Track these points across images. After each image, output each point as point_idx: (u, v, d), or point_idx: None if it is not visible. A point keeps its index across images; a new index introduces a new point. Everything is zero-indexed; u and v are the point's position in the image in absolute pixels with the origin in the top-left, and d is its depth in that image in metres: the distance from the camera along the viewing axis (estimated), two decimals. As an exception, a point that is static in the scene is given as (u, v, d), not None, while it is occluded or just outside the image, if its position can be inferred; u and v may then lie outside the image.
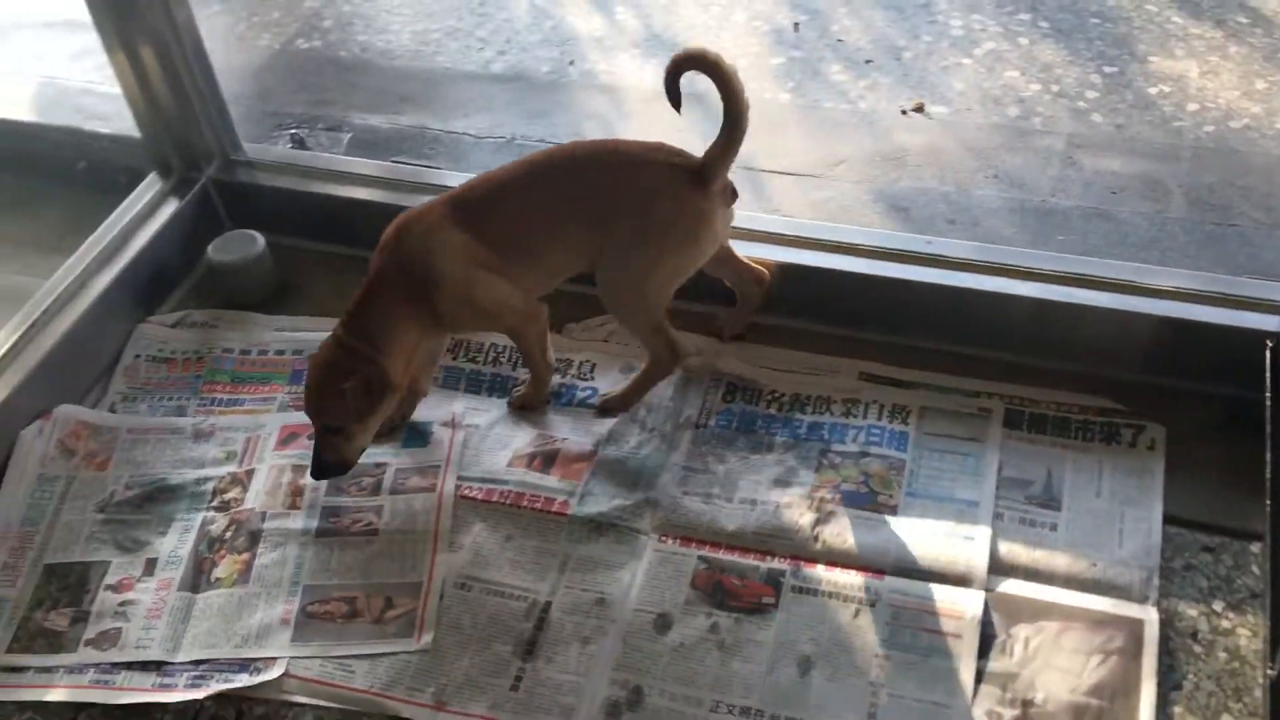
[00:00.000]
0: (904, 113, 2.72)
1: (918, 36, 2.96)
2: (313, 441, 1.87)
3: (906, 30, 2.98)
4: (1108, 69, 2.78)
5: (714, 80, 1.77)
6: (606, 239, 1.85)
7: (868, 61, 2.88)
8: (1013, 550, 1.82)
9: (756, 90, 2.81)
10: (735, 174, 2.58)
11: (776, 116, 2.74)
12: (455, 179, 2.33)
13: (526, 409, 2.08)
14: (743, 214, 2.27)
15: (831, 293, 2.14)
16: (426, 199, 2.28)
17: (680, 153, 1.87)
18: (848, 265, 2.12)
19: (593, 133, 2.74)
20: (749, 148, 2.61)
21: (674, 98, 1.82)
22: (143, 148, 2.42)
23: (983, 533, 1.83)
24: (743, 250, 2.14)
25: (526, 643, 1.77)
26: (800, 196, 2.50)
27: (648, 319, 1.94)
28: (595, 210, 1.84)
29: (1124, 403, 1.99)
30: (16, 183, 2.70)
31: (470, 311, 1.87)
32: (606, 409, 2.06)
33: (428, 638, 1.77)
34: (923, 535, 1.84)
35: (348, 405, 1.78)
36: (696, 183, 1.84)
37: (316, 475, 1.87)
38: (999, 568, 1.79)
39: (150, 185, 2.42)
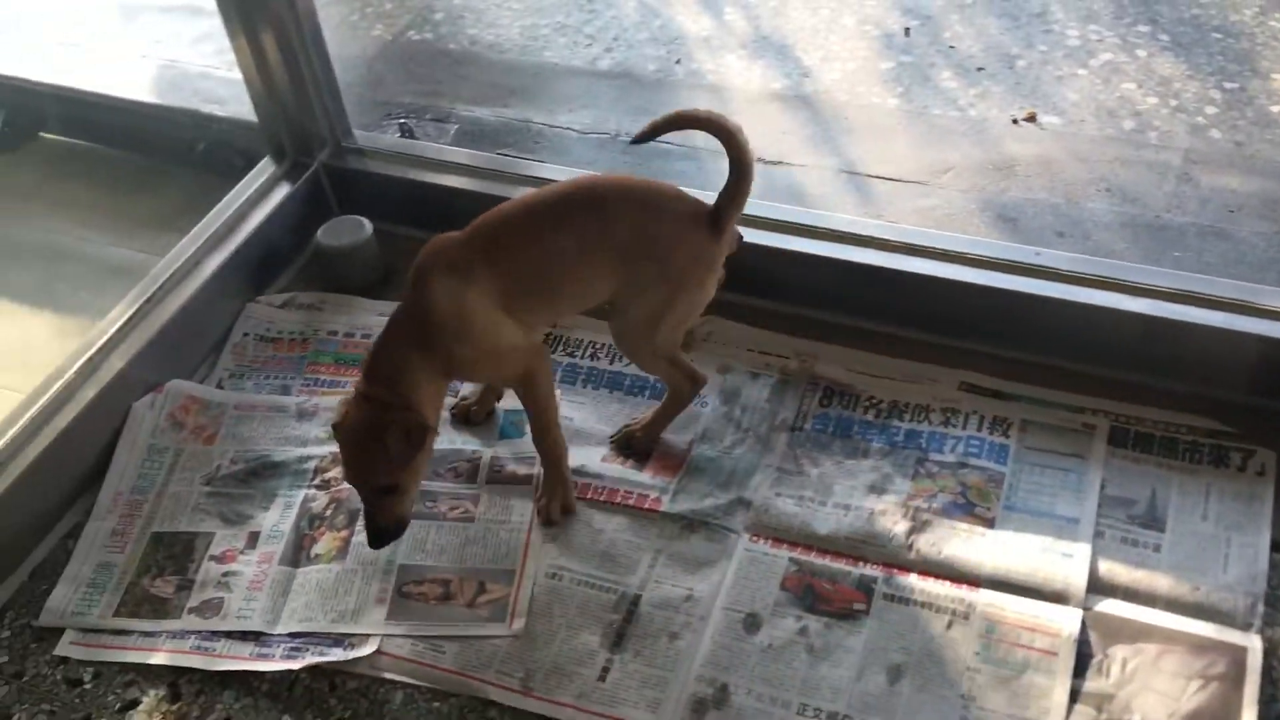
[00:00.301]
0: (1015, 122, 2.67)
1: (1032, 45, 2.91)
2: (362, 510, 1.79)
3: (1020, 39, 2.94)
4: (1228, 85, 2.70)
5: (719, 139, 1.82)
6: (626, 279, 1.84)
7: (979, 69, 2.84)
8: (1113, 569, 1.78)
9: (864, 95, 2.80)
10: (840, 177, 2.58)
11: (883, 122, 2.72)
12: (558, 173, 2.36)
13: (560, 519, 1.93)
14: (847, 217, 2.27)
15: (935, 301, 2.12)
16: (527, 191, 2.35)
17: (695, 200, 1.88)
18: (953, 273, 2.10)
19: (695, 131, 2.74)
20: (855, 152, 2.63)
21: (646, 140, 1.86)
22: (259, 132, 2.48)
23: (1082, 550, 1.80)
24: (847, 255, 2.14)
25: (615, 634, 1.78)
26: (905, 203, 2.48)
27: (660, 356, 1.92)
28: (618, 250, 1.82)
29: (1232, 425, 1.94)
30: (138, 162, 2.79)
31: (490, 359, 1.82)
32: (630, 446, 2.01)
33: (519, 623, 1.79)
34: (1020, 550, 1.81)
35: (393, 459, 1.71)
36: (711, 230, 1.85)
37: (376, 544, 1.79)
38: (1098, 586, 1.76)
39: (264, 169, 2.48)
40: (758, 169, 1.84)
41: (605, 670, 1.74)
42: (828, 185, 2.53)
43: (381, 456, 1.70)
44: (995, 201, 2.46)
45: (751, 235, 2.20)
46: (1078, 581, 1.76)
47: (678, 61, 3.01)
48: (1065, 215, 2.41)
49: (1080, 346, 2.06)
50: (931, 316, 2.13)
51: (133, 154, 2.80)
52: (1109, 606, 1.73)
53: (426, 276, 1.77)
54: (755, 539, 1.88)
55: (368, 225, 2.37)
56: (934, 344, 2.13)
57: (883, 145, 2.63)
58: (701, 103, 2.87)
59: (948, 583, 1.79)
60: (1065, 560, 1.79)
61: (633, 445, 2.01)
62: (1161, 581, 1.76)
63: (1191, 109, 2.65)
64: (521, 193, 2.29)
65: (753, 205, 2.23)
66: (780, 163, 2.60)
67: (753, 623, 1.77)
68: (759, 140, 2.69)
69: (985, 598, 1.76)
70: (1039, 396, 2.03)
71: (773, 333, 2.19)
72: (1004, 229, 2.39)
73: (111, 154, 2.83)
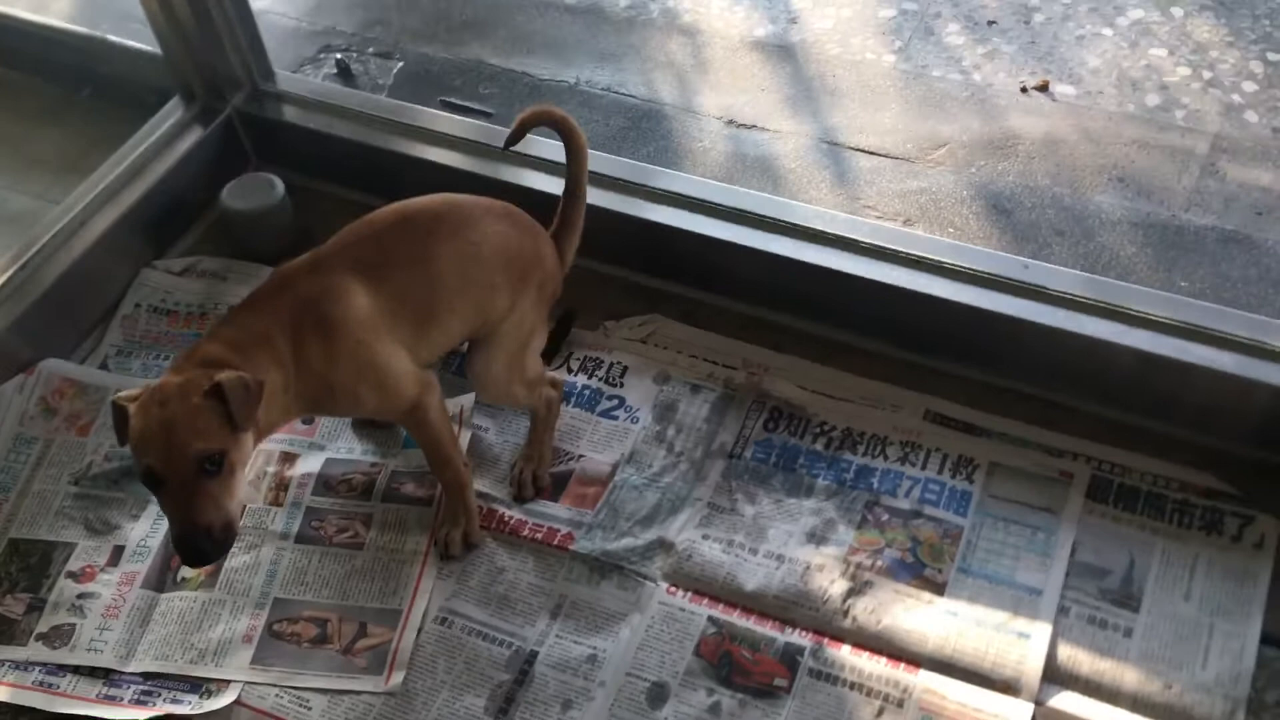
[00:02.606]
0: (1024, 90, 2.35)
1: (1054, -5, 2.56)
2: (168, 517, 1.41)
3: (1042, -15, 2.59)
4: (1273, 56, 2.36)
5: (566, 147, 1.74)
6: (507, 299, 1.64)
7: (991, 23, 2.50)
8: (1074, 656, 1.55)
9: (857, 48, 2.49)
10: (818, 148, 2.29)
11: (875, 83, 2.39)
12: (499, 137, 2.08)
13: (460, 553, 1.70)
14: (813, 209, 1.98)
15: (905, 314, 1.85)
16: (458, 156, 2.08)
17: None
18: (927, 286, 1.83)
19: (662, 83, 2.44)
20: (839, 117, 2.33)
21: (515, 142, 1.74)
22: (165, 68, 2.21)
23: (1041, 630, 1.57)
24: (809, 256, 1.88)
25: (503, 699, 1.57)
26: (888, 184, 2.18)
27: (533, 384, 1.74)
28: (504, 267, 1.63)
29: (1232, 484, 1.69)
30: (48, 90, 2.51)
31: (364, 380, 1.54)
32: (531, 488, 1.76)
33: (398, 678, 1.59)
34: (970, 624, 1.58)
35: (233, 412, 1.38)
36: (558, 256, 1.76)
37: (195, 559, 1.42)
38: (1055, 676, 1.53)
39: (171, 111, 2.21)
40: (729, 132, 1.62)
41: (487, 742, 1.54)
42: (803, 157, 2.24)
43: (203, 412, 1.37)
44: (990, 187, 2.16)
45: (704, 225, 1.95)
46: (1032, 669, 1.53)
47: (655, -4, 2.68)
48: (1068, 209, 2.11)
49: (1065, 377, 1.80)
50: (900, 330, 1.88)
51: (41, 80, 2.53)
52: (1065, 701, 1.51)
53: (289, 280, 1.52)
54: (673, 590, 1.65)
55: (279, 186, 2.10)
56: (900, 360, 1.88)
57: (871, 111, 2.32)
58: (674, 47, 2.58)
59: (884, 660, 1.57)
60: (1020, 642, 1.56)
61: (534, 486, 1.77)
62: (1129, 675, 1.53)
63: (1227, 84, 2.32)
64: (443, 155, 2.08)
65: (709, 189, 1.99)
66: (754, 126, 2.29)
67: (658, 694, 1.56)
68: (733, 98, 2.41)
69: (924, 681, 1.54)
70: (1014, 433, 1.78)
71: (721, 336, 1.94)
72: (996, 221, 2.10)
73: (18, 79, 2.55)
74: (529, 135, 1.74)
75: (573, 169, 1.75)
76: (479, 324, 1.63)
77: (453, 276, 1.58)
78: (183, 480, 1.39)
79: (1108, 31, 2.46)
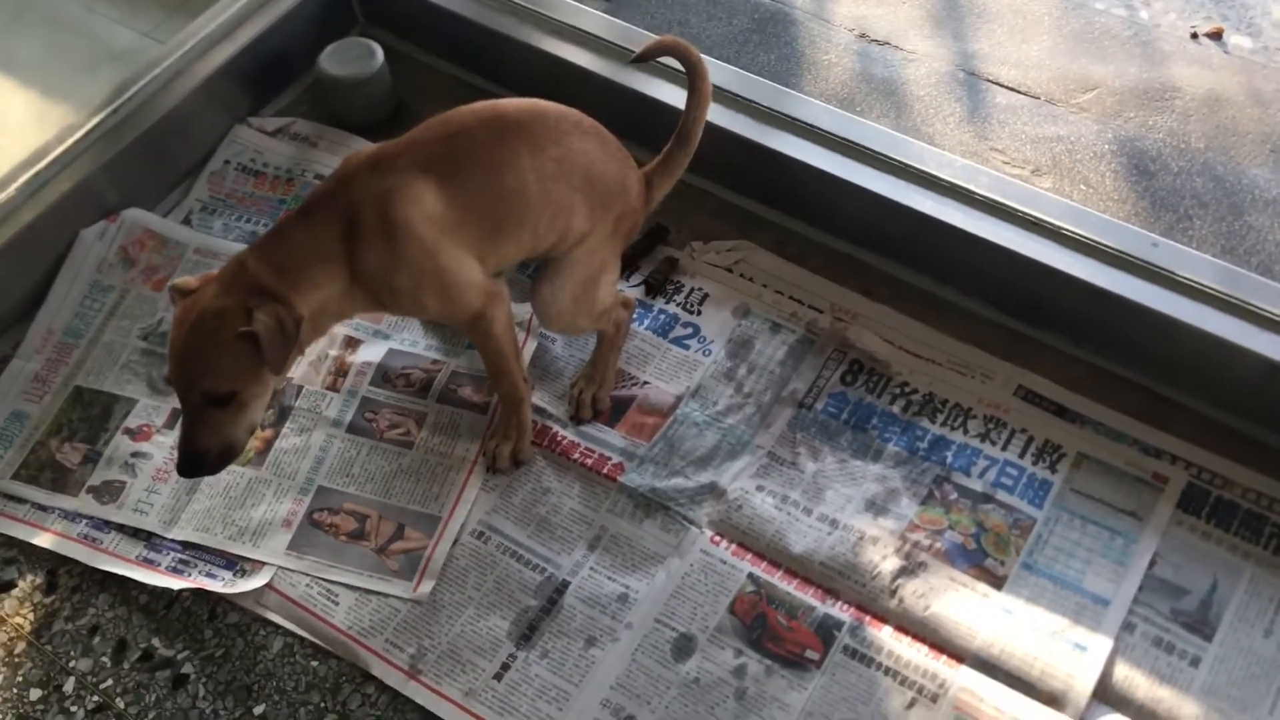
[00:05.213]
0: (1194, 36, 2.12)
1: (1250, -73, 2.29)
2: (180, 426, 1.44)
3: (1239, -86, 2.31)
4: None
5: (690, 87, 1.63)
6: (583, 223, 1.54)
7: (1172, -48, 2.26)
8: (1131, 678, 1.45)
9: (1017, -33, 2.26)
10: (954, 76, 2.11)
11: (1029, 7, 2.18)
12: (630, 38, 1.95)
13: (508, 469, 1.67)
14: (930, 149, 1.82)
15: (1013, 276, 1.71)
16: (579, 51, 1.97)
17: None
18: (1042, 253, 1.68)
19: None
20: (983, 43, 2.14)
21: (645, 60, 1.71)
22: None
23: (1100, 644, 1.47)
24: (918, 203, 1.74)
25: (527, 625, 1.54)
26: (1024, 126, 2.00)
27: (601, 313, 1.64)
28: (585, 188, 1.52)
29: (1345, 514, 1.54)
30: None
31: (427, 286, 1.47)
32: (589, 410, 1.70)
33: (426, 587, 1.57)
34: (1024, 626, 1.49)
35: (265, 355, 1.37)
36: (644, 193, 1.65)
37: (187, 471, 1.45)
38: (1106, 696, 1.44)
39: (284, -44, 2.14)
40: (859, 46, 1.50)
41: (505, 668, 1.51)
42: (935, 85, 2.06)
43: (228, 352, 1.38)
44: (1136, 143, 1.97)
45: (812, 154, 1.82)
46: (1082, 685, 1.44)
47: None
48: (1218, 178, 1.91)
49: (1178, 372, 1.65)
50: (1004, 294, 1.74)
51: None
52: (1112, 725, 1.42)
53: (347, 180, 1.45)
54: (717, 540, 1.59)
55: (378, 55, 2.02)
56: (999, 325, 1.75)
57: (1019, 41, 2.12)
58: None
59: (925, 648, 1.49)
60: (1075, 653, 1.46)
61: (593, 408, 1.71)
62: (1187, 709, 1.42)
63: None
64: (561, 48, 1.96)
65: (824, 114, 1.85)
66: (887, 43, 2.11)
67: (684, 647, 1.51)
68: (869, 9, 2.23)
69: (964, 679, 1.46)
70: (1110, 424, 1.65)
71: (811, 274, 1.82)
72: (1135, 183, 1.91)
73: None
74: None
75: (690, 114, 1.62)
76: (553, 242, 1.54)
77: (529, 189, 1.49)
78: (190, 406, 1.43)
79: (1304, -22, 2.19)
